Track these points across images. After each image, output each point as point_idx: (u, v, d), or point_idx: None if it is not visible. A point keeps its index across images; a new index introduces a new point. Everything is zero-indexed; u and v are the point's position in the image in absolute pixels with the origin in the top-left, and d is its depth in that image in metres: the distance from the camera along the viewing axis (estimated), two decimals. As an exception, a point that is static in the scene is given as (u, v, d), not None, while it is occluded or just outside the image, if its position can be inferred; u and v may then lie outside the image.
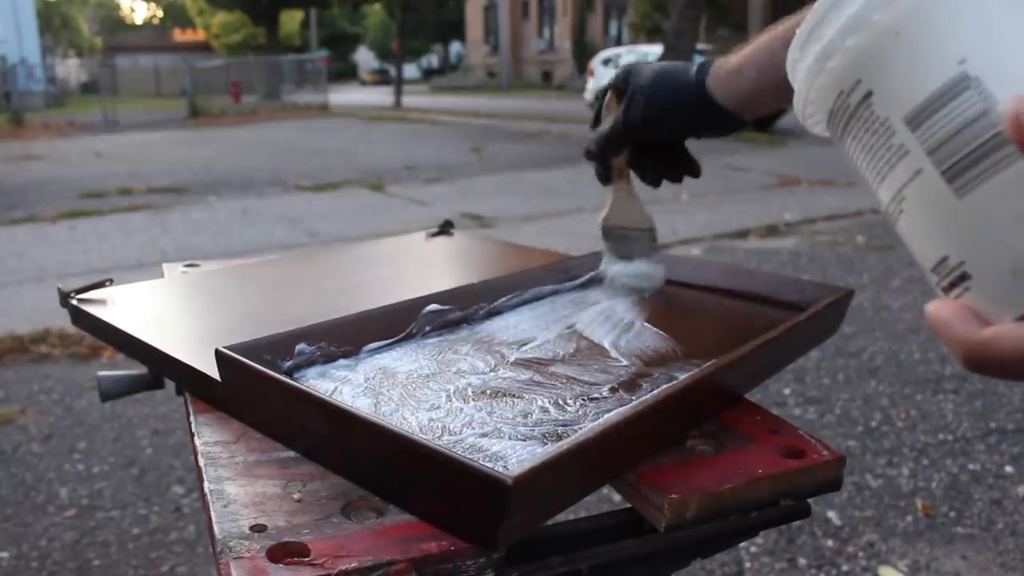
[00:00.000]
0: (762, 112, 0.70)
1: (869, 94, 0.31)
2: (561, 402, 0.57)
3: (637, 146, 0.76)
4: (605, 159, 0.77)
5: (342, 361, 0.63)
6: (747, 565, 1.68)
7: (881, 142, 0.31)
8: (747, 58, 0.67)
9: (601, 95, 0.78)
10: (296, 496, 0.47)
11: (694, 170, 0.78)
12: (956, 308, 0.29)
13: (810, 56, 0.33)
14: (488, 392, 0.58)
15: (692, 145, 0.78)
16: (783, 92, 0.64)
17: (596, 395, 0.58)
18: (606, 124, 0.76)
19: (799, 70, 0.34)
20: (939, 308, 0.30)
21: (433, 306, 0.70)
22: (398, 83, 20.56)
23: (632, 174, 0.80)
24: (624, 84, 0.75)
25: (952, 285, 0.30)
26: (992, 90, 0.27)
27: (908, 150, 0.30)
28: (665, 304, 0.79)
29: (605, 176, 0.79)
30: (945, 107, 0.28)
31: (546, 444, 0.50)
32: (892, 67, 0.30)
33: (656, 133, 0.74)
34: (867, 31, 0.30)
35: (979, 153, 0.27)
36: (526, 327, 0.72)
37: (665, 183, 0.79)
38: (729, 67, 0.68)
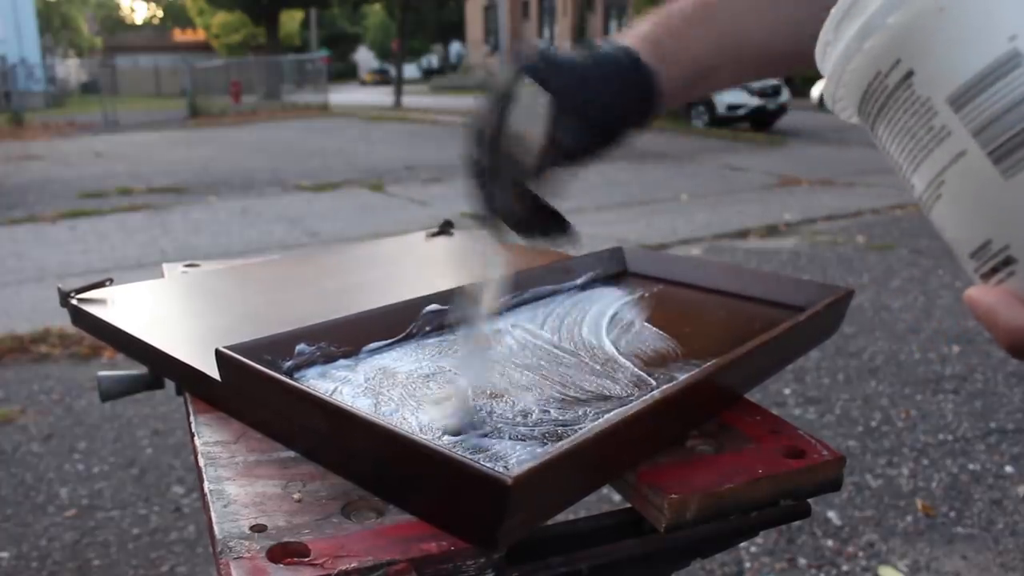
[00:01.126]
0: (672, 101, 0.59)
1: (910, 74, 0.30)
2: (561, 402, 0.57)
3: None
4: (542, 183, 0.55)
5: (342, 361, 0.63)
6: (747, 565, 1.68)
7: (920, 124, 0.30)
8: (661, 42, 0.57)
9: (501, 90, 0.54)
10: (296, 496, 0.47)
11: (571, 230, 0.59)
12: (1000, 294, 0.28)
13: (845, 37, 0.32)
14: (488, 392, 0.58)
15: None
16: (694, 86, 0.59)
17: (596, 395, 0.58)
18: (553, 131, 0.53)
19: (832, 52, 0.33)
20: (982, 294, 0.29)
21: (433, 306, 0.70)
22: (398, 83, 20.56)
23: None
24: (547, 75, 0.54)
25: (994, 270, 0.29)
26: None
27: (951, 131, 0.29)
28: (665, 304, 0.79)
29: (516, 215, 0.56)
30: (993, 86, 0.27)
31: (546, 444, 0.50)
32: (935, 45, 0.29)
33: (608, 129, 0.57)
34: (909, 8, 0.29)
35: None
36: (525, 327, 0.72)
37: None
38: (648, 47, 0.57)
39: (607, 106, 0.56)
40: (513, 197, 0.55)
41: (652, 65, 0.57)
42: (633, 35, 0.59)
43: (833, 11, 0.32)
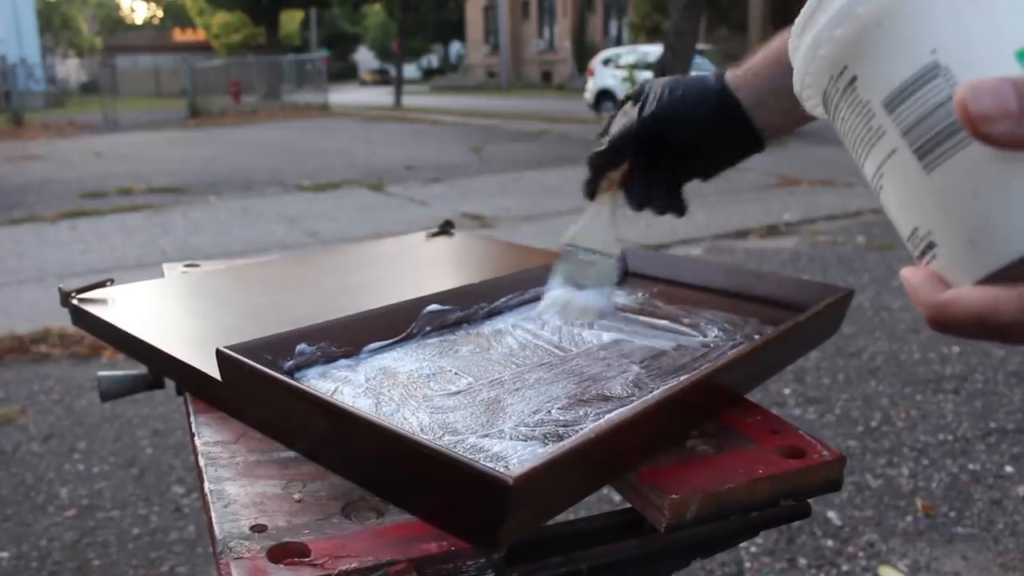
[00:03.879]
0: (777, 120, 0.69)
1: (854, 79, 0.34)
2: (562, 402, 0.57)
3: (639, 161, 0.72)
4: (603, 167, 0.73)
5: (343, 361, 0.63)
6: (747, 565, 1.68)
7: (863, 123, 0.34)
8: (763, 59, 0.68)
9: (618, 107, 0.75)
10: (296, 496, 0.47)
11: (680, 207, 0.76)
12: (924, 273, 0.32)
13: (804, 44, 0.36)
14: (489, 392, 0.58)
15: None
16: (784, 111, 0.65)
17: (597, 395, 0.58)
18: (619, 124, 0.72)
19: (796, 57, 0.37)
20: (911, 273, 0.33)
21: (433, 306, 0.70)
22: (398, 83, 20.56)
23: (618, 196, 0.74)
24: (640, 91, 0.73)
25: (923, 253, 0.32)
26: (959, 77, 0.30)
27: (885, 130, 0.32)
28: (665, 304, 0.79)
29: (593, 188, 0.74)
30: (917, 92, 0.31)
31: (547, 444, 0.50)
32: (873, 55, 0.32)
33: (674, 130, 0.70)
34: (852, 22, 0.33)
35: (944, 134, 0.30)
36: (526, 327, 0.72)
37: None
38: (747, 66, 0.69)
39: (677, 112, 0.69)
40: (614, 176, 0.73)
41: (736, 85, 0.68)
42: (741, 65, 0.70)
43: (797, 20, 0.36)
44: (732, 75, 0.69)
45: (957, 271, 0.31)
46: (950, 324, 0.30)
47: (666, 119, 0.69)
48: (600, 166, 0.73)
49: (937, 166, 0.30)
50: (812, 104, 0.38)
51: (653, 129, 0.70)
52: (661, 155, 0.72)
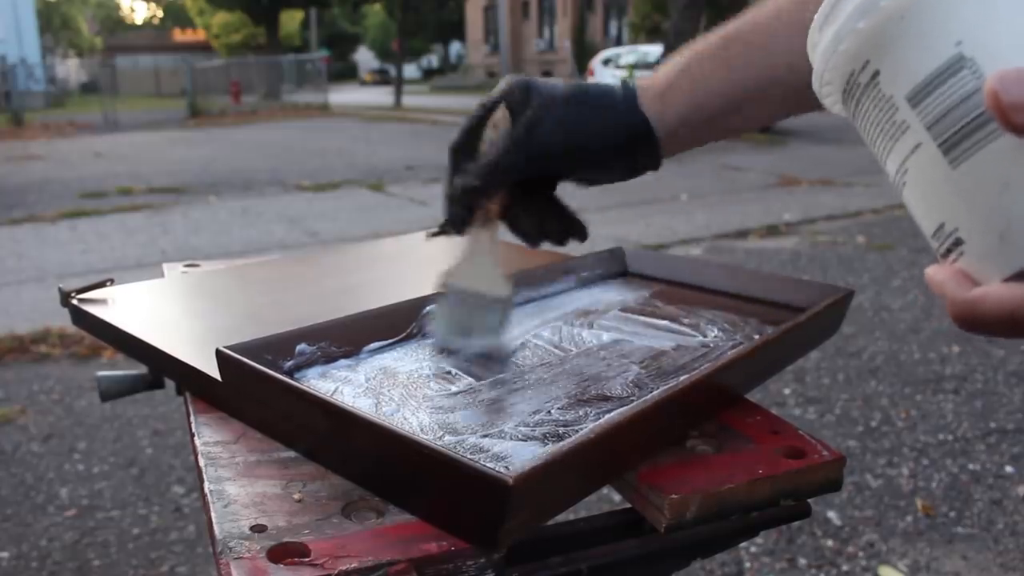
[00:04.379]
0: (679, 146, 0.60)
1: (877, 73, 0.33)
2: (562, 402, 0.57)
3: (520, 187, 0.60)
4: (478, 199, 0.59)
5: (343, 361, 0.63)
6: (747, 565, 1.68)
7: (887, 118, 0.33)
8: (672, 82, 0.58)
9: (482, 112, 0.60)
10: (296, 496, 0.47)
11: (581, 230, 0.64)
12: (950, 271, 0.31)
13: (825, 39, 0.35)
14: (489, 392, 0.58)
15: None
16: (703, 128, 0.59)
17: (597, 395, 0.58)
18: (493, 150, 0.58)
19: (816, 52, 0.36)
20: (936, 271, 0.32)
21: (433, 306, 0.70)
22: (398, 83, 20.57)
23: (498, 227, 0.63)
24: (519, 100, 0.58)
25: (948, 250, 0.32)
26: (985, 70, 0.29)
27: (909, 125, 0.32)
28: (665, 304, 0.79)
29: (463, 220, 0.61)
30: (942, 85, 0.30)
31: (547, 444, 0.50)
32: (896, 48, 0.32)
33: (569, 163, 0.59)
34: (875, 15, 0.32)
35: (971, 127, 0.29)
36: (525, 327, 0.72)
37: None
38: (657, 87, 0.58)
39: (570, 138, 0.57)
40: (485, 205, 0.61)
41: (651, 106, 0.58)
42: (652, 76, 0.60)
43: (816, 15, 0.36)
44: (649, 94, 0.58)
45: (986, 268, 0.30)
46: (979, 322, 0.30)
47: (559, 152, 0.57)
48: (470, 201, 0.59)
49: (964, 160, 0.30)
50: (831, 101, 0.38)
51: (540, 164, 0.58)
52: (543, 178, 0.61)
